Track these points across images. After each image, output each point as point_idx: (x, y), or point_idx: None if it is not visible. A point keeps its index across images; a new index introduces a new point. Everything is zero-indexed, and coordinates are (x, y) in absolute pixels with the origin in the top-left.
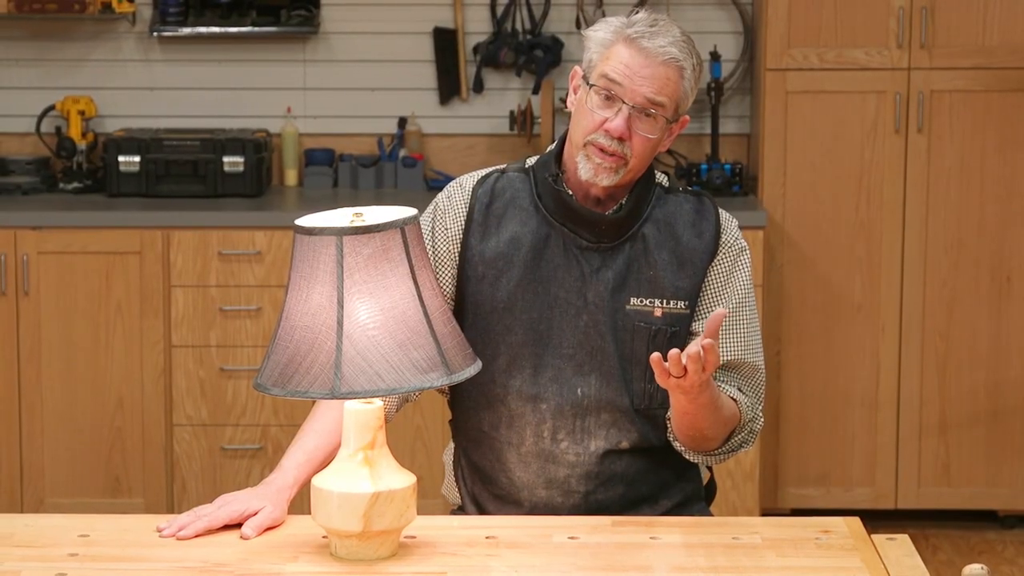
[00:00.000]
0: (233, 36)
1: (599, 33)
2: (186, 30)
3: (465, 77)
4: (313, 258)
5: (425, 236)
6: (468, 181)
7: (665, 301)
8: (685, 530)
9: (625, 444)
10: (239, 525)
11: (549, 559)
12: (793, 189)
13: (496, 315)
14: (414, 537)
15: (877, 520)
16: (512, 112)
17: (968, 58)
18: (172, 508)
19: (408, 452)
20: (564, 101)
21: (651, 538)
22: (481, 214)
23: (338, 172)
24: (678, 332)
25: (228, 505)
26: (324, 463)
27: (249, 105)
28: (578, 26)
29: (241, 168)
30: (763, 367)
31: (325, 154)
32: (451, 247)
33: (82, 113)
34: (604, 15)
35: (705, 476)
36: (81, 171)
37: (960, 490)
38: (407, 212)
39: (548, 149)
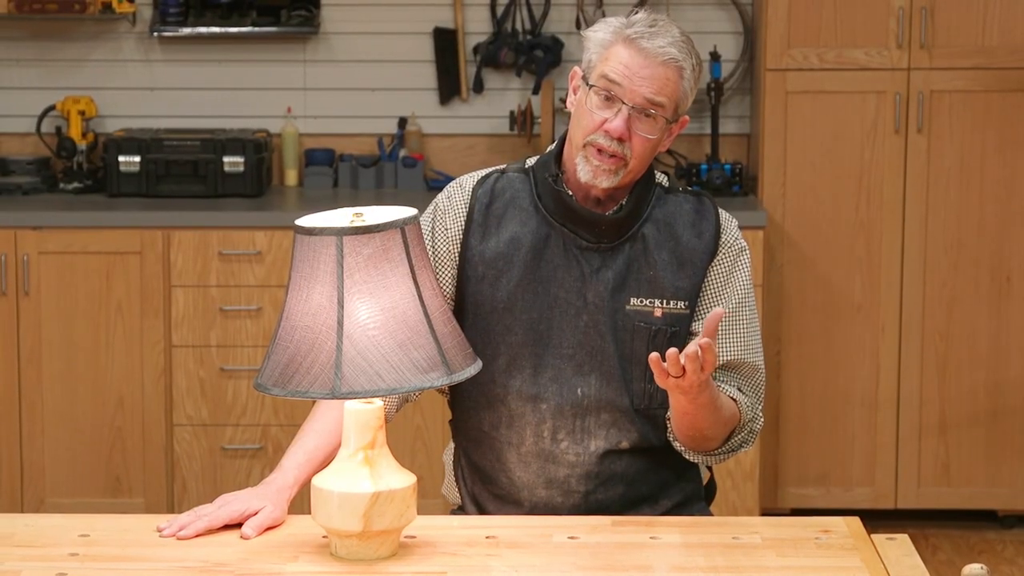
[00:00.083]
0: (233, 36)
1: (598, 34)
2: (186, 30)
3: (465, 77)
4: (313, 258)
5: (425, 236)
6: (468, 181)
7: (665, 301)
8: (685, 530)
9: (625, 444)
10: (239, 525)
11: (549, 559)
12: (793, 189)
13: (496, 315)
14: (414, 537)
15: (877, 520)
16: (512, 112)
17: (968, 58)
18: (172, 508)
19: (408, 452)
20: (564, 101)
21: (651, 538)
22: (481, 214)
23: (338, 172)
24: (678, 332)
25: (228, 505)
26: (324, 463)
27: (249, 105)
28: (578, 26)
29: (241, 168)
30: (763, 367)
31: (325, 154)
32: (451, 247)
33: (82, 113)
34: (604, 15)
35: (705, 476)
36: (81, 171)
37: (960, 490)
38: (407, 212)
39: (548, 149)
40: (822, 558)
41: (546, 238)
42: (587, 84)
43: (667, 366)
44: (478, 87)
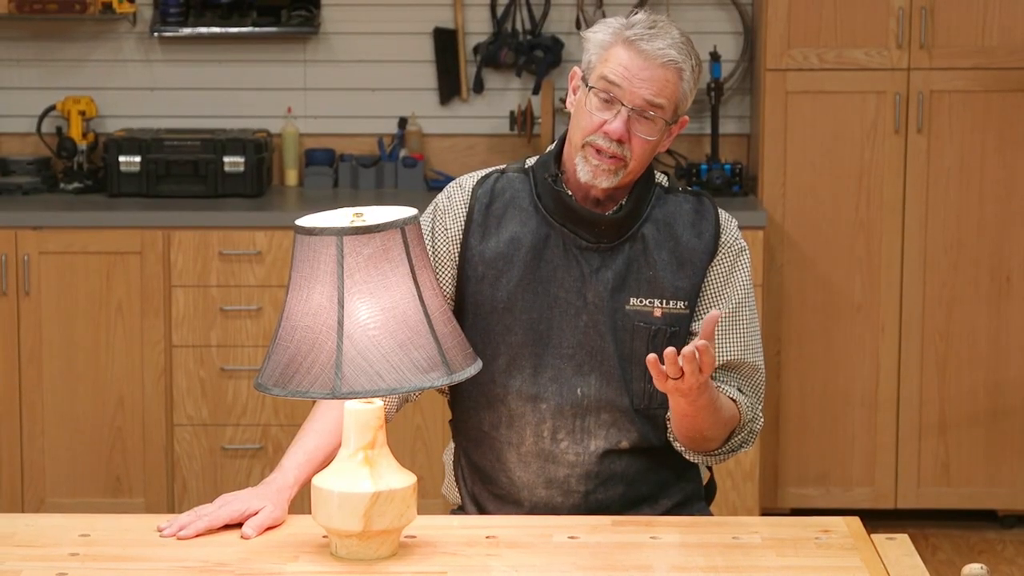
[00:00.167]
0: (233, 36)
1: (598, 35)
2: (186, 30)
3: (465, 77)
4: (313, 258)
5: (425, 236)
6: (468, 181)
7: (665, 301)
8: (685, 530)
9: (625, 444)
10: (240, 525)
11: (549, 559)
12: (793, 189)
13: (496, 315)
14: (414, 537)
15: (877, 520)
16: (512, 112)
17: (968, 58)
18: (173, 508)
19: (408, 452)
20: (564, 101)
21: (651, 538)
22: (481, 214)
23: (338, 172)
24: (678, 332)
25: (229, 505)
26: (324, 463)
27: (249, 105)
28: (578, 26)
29: (241, 168)
30: (763, 367)
31: (325, 154)
32: (451, 247)
33: (83, 113)
34: (604, 15)
35: (705, 476)
36: (82, 171)
37: (960, 490)
38: (407, 212)
39: (548, 149)
40: (822, 558)
41: (546, 238)
42: (586, 85)
43: (665, 367)
44: (478, 87)
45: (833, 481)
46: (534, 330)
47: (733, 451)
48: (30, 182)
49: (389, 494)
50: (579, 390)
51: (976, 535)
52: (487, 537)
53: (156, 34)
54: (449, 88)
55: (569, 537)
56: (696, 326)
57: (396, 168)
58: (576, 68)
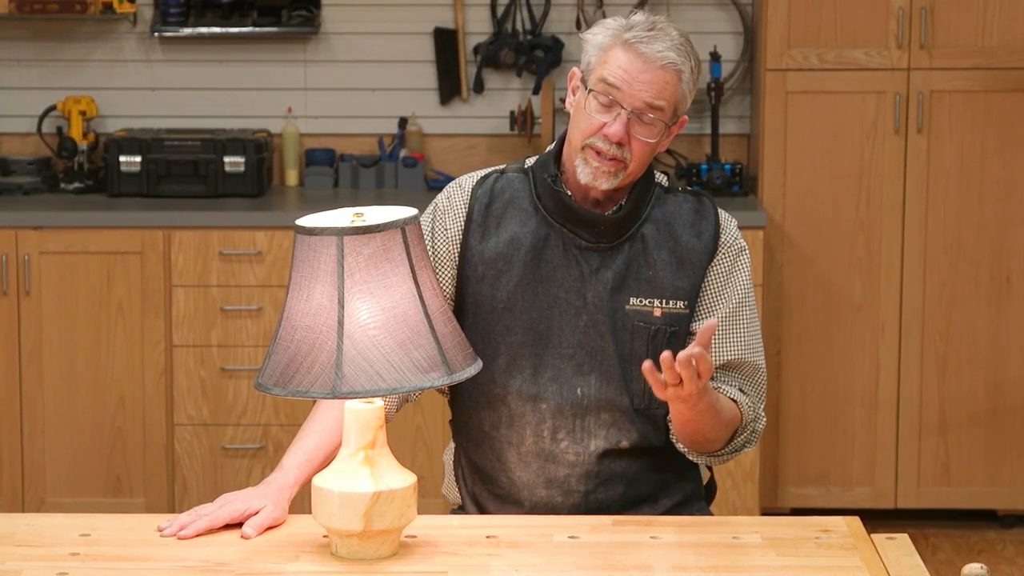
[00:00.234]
0: (234, 36)
1: (597, 37)
2: (187, 30)
3: (465, 77)
4: (314, 258)
5: (425, 236)
6: (467, 181)
7: (664, 301)
8: (685, 530)
9: (625, 444)
10: (240, 524)
11: (549, 558)
12: (793, 189)
13: (496, 315)
14: (415, 537)
15: (877, 520)
16: (512, 112)
17: (968, 58)
18: (173, 508)
19: (408, 452)
20: (564, 101)
21: (651, 538)
22: (481, 214)
23: (339, 172)
24: (677, 332)
25: (229, 504)
26: (325, 463)
27: (250, 105)
28: (578, 27)
29: (242, 168)
30: (764, 366)
31: (326, 154)
32: (451, 247)
33: (83, 113)
34: (604, 15)
35: (705, 476)
36: (82, 171)
37: (960, 489)
38: (407, 212)
39: (547, 149)
40: (822, 558)
41: (545, 238)
42: (586, 87)
43: (663, 375)
44: (478, 87)
45: (833, 481)
46: (534, 330)
47: (736, 451)
48: (31, 182)
49: (389, 494)
50: (579, 390)
51: (976, 535)
52: (487, 537)
53: (156, 34)
54: (449, 88)
55: (569, 537)
56: (696, 326)
57: (396, 168)
58: (575, 69)
